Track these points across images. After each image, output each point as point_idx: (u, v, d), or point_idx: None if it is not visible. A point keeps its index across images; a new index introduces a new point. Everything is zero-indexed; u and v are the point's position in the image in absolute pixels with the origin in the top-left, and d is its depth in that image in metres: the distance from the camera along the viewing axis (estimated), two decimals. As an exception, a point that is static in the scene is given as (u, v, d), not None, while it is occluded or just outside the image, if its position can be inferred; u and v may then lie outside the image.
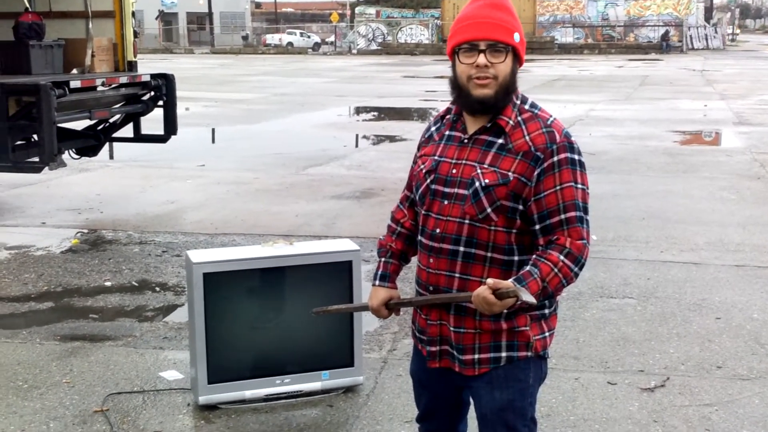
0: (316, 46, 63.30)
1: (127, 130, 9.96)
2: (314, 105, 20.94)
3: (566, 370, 4.78)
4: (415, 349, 2.91)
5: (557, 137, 2.56)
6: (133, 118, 9.83)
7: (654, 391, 4.55)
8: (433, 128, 2.80)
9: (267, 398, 4.35)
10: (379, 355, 5.04)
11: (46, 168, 8.24)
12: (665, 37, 52.79)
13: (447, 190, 2.64)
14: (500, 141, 2.59)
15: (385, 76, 32.47)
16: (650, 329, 5.48)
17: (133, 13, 10.02)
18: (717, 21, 62.59)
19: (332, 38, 64.08)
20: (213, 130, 16.25)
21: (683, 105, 20.41)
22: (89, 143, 9.68)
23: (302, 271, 4.47)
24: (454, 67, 2.64)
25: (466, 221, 2.59)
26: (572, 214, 2.53)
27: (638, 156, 12.76)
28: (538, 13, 57.67)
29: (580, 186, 2.57)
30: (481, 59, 2.55)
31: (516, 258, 2.61)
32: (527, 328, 2.63)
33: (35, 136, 8.44)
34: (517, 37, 2.59)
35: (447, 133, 2.72)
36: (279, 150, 13.59)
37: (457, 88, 2.63)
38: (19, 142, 8.55)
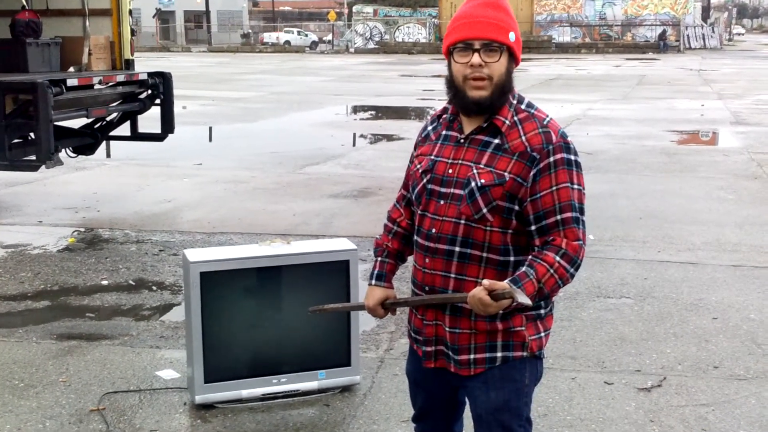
0: (313, 45, 63.28)
1: (124, 129, 9.95)
2: (311, 104, 20.93)
3: (563, 370, 4.78)
4: (411, 349, 2.91)
5: (553, 137, 2.55)
6: (130, 116, 9.82)
7: (651, 391, 4.55)
8: (429, 128, 2.80)
9: (263, 398, 4.34)
10: (376, 354, 5.04)
11: (43, 166, 8.23)
12: (662, 36, 52.83)
13: (443, 190, 2.64)
14: (496, 141, 2.58)
15: (383, 75, 32.47)
16: (647, 329, 5.48)
17: (131, 11, 10.01)
18: (714, 20, 62.68)
19: (329, 37, 64.08)
20: (210, 128, 16.24)
21: (680, 104, 20.43)
22: (86, 141, 9.67)
23: (299, 270, 4.47)
24: (449, 66, 2.63)
25: (462, 221, 2.59)
26: (568, 214, 2.53)
27: (635, 155, 12.76)
28: (535, 12, 57.67)
29: (576, 186, 2.56)
30: (476, 58, 2.54)
31: (512, 258, 2.61)
32: (523, 328, 2.63)
33: (32, 135, 8.42)
34: (512, 36, 2.58)
35: (444, 132, 2.71)
36: (276, 149, 13.58)
37: (453, 88, 2.62)
38: (15, 141, 8.53)
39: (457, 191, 2.60)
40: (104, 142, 10.35)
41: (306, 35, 66.98)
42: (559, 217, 2.52)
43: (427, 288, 2.70)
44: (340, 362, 4.47)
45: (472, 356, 2.65)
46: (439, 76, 27.17)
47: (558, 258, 2.50)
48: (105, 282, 6.48)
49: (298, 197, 9.77)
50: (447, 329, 2.68)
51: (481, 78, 2.55)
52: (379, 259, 2.90)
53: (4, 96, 7.93)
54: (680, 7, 56.08)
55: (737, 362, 4.94)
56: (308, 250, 4.63)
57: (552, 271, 2.49)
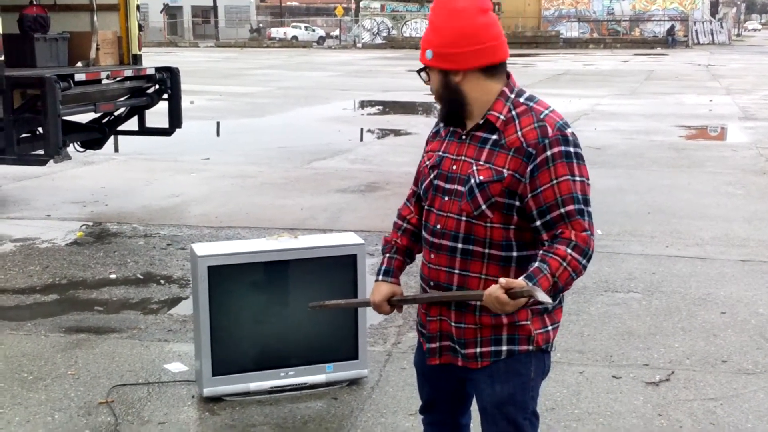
0: (320, 40, 63.26)
1: (132, 124, 9.97)
2: (319, 99, 20.93)
3: (571, 364, 4.77)
4: (419, 341, 2.91)
5: (549, 131, 2.52)
6: (138, 111, 9.83)
7: (659, 385, 4.55)
8: (441, 124, 2.80)
9: (271, 391, 4.35)
10: (384, 348, 5.04)
11: (51, 161, 8.25)
12: (671, 31, 52.70)
13: (447, 186, 2.64)
14: (494, 137, 2.58)
15: (390, 70, 32.44)
16: (655, 323, 5.47)
17: (138, 7, 10.02)
18: (723, 16, 62.43)
19: (337, 32, 64.07)
20: (218, 123, 16.26)
21: (689, 100, 20.38)
22: (94, 136, 9.69)
23: (307, 264, 4.48)
24: None
25: (463, 218, 2.59)
26: (571, 207, 2.50)
27: (643, 150, 12.74)
28: (543, 7, 57.58)
29: (578, 178, 2.52)
30: (423, 76, 2.71)
31: (515, 254, 2.59)
32: (528, 322, 2.61)
33: (40, 129, 8.44)
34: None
35: (451, 129, 2.72)
36: (284, 143, 13.59)
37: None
38: (24, 135, 8.56)
39: (459, 188, 2.60)
40: (112, 137, 10.38)
41: (313, 30, 66.95)
42: (562, 210, 2.49)
43: (432, 283, 2.71)
44: (348, 356, 4.47)
45: (478, 350, 2.65)
46: (446, 71, 27.09)
47: (569, 250, 2.47)
48: (113, 276, 6.50)
49: (306, 192, 9.77)
50: (453, 324, 2.67)
51: (433, 93, 2.71)
52: (387, 255, 2.89)
53: (12, 91, 7.95)
54: (689, 2, 55.94)
55: (746, 357, 4.93)
56: (316, 244, 4.63)
57: (565, 264, 2.46)
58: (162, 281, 6.38)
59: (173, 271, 6.64)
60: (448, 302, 2.67)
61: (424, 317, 2.78)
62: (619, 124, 15.87)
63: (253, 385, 4.31)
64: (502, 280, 2.42)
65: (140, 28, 10.14)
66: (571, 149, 2.53)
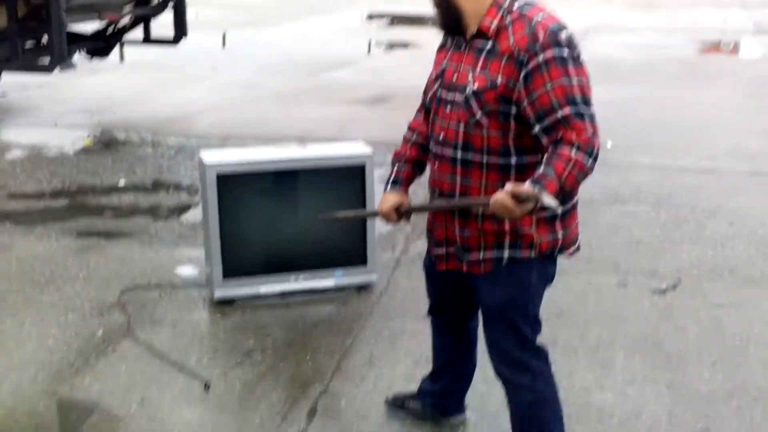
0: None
1: (137, 34, 9.84)
2: (326, 10, 20.59)
3: (578, 272, 4.78)
4: (428, 245, 2.93)
5: (540, 36, 2.45)
6: (143, 20, 9.69)
7: (665, 292, 4.58)
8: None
9: (282, 294, 4.39)
10: (392, 255, 5.07)
11: (57, 69, 8.17)
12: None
13: (449, 96, 2.64)
14: (489, 45, 2.55)
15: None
16: (663, 234, 5.49)
17: None
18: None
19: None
20: (223, 34, 16.04)
21: (702, 13, 20.01)
22: (99, 45, 9.58)
23: (315, 173, 4.47)
24: None
25: (461, 127, 2.58)
26: (568, 111, 2.43)
27: (655, 64, 12.57)
28: None
29: (575, 80, 2.45)
30: None
31: (513, 160, 2.56)
32: (531, 230, 2.60)
33: (45, 38, 8.35)
34: None
35: (455, 40, 2.70)
36: (291, 54, 13.44)
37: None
38: (29, 47, 8.47)
39: (458, 97, 2.59)
40: (117, 47, 10.25)
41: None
42: (559, 114, 2.44)
43: (437, 191, 2.73)
44: (357, 262, 4.50)
45: (481, 255, 2.67)
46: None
47: (573, 152, 2.42)
48: (122, 183, 6.51)
49: (313, 103, 9.70)
50: (456, 231, 2.69)
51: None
52: (396, 166, 2.89)
53: (16, 0, 7.83)
54: None
55: (752, 266, 4.96)
56: (324, 154, 4.62)
57: (570, 166, 2.42)
58: (171, 189, 6.39)
59: (182, 179, 6.64)
60: (453, 210, 2.67)
61: (431, 224, 2.81)
62: (631, 38, 15.62)
63: (264, 289, 4.36)
64: (508, 185, 2.40)
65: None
66: (565, 51, 2.46)
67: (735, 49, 15.29)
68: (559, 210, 2.58)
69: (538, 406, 2.81)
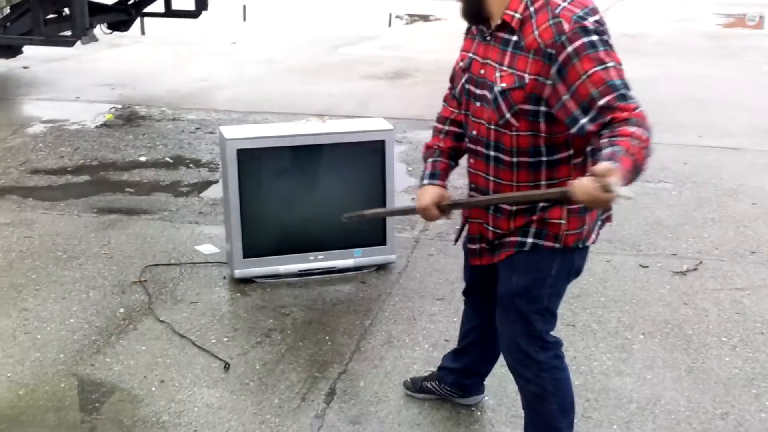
0: None
1: (158, 6, 9.83)
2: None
3: (598, 253, 4.77)
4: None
5: (565, 27, 2.33)
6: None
7: (686, 274, 4.55)
8: None
9: (301, 274, 4.41)
10: (411, 234, 5.06)
11: (79, 42, 8.19)
12: None
13: (477, 91, 2.56)
14: (514, 38, 2.43)
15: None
16: (685, 214, 5.45)
17: None
18: None
19: None
20: (244, 7, 15.99)
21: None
22: (120, 18, 9.58)
23: (335, 149, 4.46)
24: None
25: (492, 126, 2.51)
26: (611, 96, 2.30)
27: (679, 39, 12.44)
28: None
29: (610, 65, 2.33)
30: None
31: (544, 158, 2.49)
32: (561, 221, 2.52)
33: (66, 10, 8.36)
34: None
35: (479, 27, 2.59)
36: (311, 28, 13.39)
37: None
38: (50, 17, 8.48)
39: (487, 93, 2.51)
40: (138, 19, 10.26)
41: None
42: (602, 102, 2.30)
43: (473, 186, 2.68)
44: (376, 241, 4.50)
45: (507, 239, 2.62)
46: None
47: (632, 128, 2.23)
48: (143, 158, 6.53)
49: (334, 78, 9.67)
50: (490, 228, 2.64)
51: None
52: (431, 159, 2.78)
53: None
54: None
55: (775, 248, 4.92)
56: (344, 129, 4.61)
57: (635, 141, 2.20)
58: (191, 165, 6.41)
59: (202, 155, 6.66)
60: (487, 206, 2.62)
61: (469, 214, 2.76)
62: (654, 11, 15.45)
63: (283, 268, 4.37)
64: (597, 168, 2.10)
65: None
66: (595, 38, 2.32)
67: (760, 23, 15.09)
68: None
69: (543, 399, 2.76)
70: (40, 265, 4.55)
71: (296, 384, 3.46)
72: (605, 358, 3.69)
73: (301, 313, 4.08)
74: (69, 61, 10.28)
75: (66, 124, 7.49)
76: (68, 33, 8.27)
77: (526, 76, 2.39)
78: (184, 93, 8.81)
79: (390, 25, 14.35)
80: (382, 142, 4.44)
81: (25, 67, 9.97)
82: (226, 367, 3.57)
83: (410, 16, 15.43)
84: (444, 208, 2.66)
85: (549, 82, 2.36)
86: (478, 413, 3.29)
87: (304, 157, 4.42)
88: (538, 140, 2.46)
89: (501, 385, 3.43)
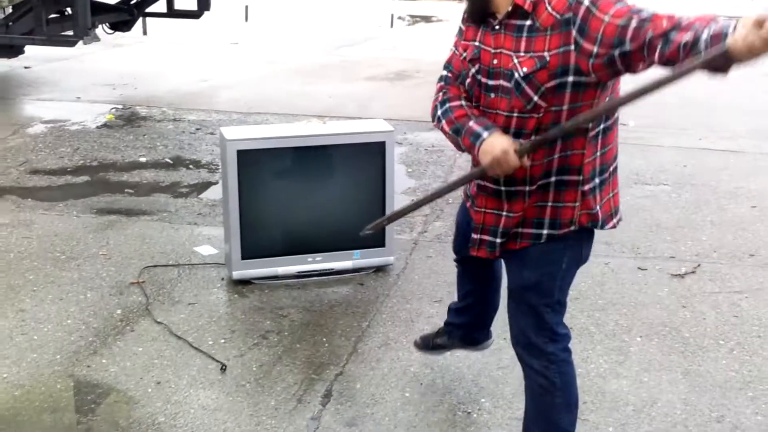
0: None
1: (161, 6, 9.85)
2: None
3: (596, 255, 4.70)
4: (463, 203, 2.92)
5: None
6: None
7: (684, 277, 4.55)
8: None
9: (299, 275, 4.41)
10: (410, 236, 5.07)
11: (80, 42, 8.21)
12: None
13: (491, 82, 2.52)
14: (528, 23, 2.43)
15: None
16: (684, 216, 5.45)
17: None
18: None
19: None
20: (246, 7, 16.02)
21: (730, -12, 19.73)
22: (123, 18, 9.60)
23: (336, 150, 4.47)
24: None
25: (515, 114, 2.48)
26: (640, 16, 2.26)
27: (680, 41, 12.42)
28: None
29: (628, 1, 2.33)
30: None
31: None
32: (575, 204, 2.53)
33: (69, 10, 8.37)
34: None
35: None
36: (312, 29, 13.40)
37: None
38: (53, 16, 8.49)
39: (505, 83, 2.48)
40: (140, 19, 10.27)
41: None
42: (634, 24, 2.25)
43: (482, 183, 2.65)
44: (375, 243, 4.50)
45: (519, 230, 2.60)
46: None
47: (678, 16, 2.20)
48: (143, 159, 6.53)
49: (334, 79, 9.68)
50: (504, 215, 2.61)
51: None
52: (473, 120, 2.55)
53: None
54: None
55: (774, 251, 4.91)
56: (345, 130, 4.61)
57: (696, 22, 2.15)
58: (191, 165, 6.41)
59: (202, 155, 6.66)
60: (499, 193, 2.59)
61: (470, 203, 2.74)
62: (653, 9, 15.42)
63: (281, 270, 4.38)
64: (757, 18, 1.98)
65: None
66: None
67: (763, 24, 15.06)
68: (597, 179, 2.48)
69: (548, 392, 2.75)
70: (38, 265, 4.55)
71: (293, 386, 3.46)
72: (602, 361, 3.69)
73: (298, 315, 4.08)
74: (71, 61, 10.29)
75: (66, 124, 7.50)
76: (70, 33, 8.29)
77: (546, 54, 2.38)
78: (185, 93, 8.82)
79: (392, 26, 14.36)
80: (383, 144, 4.44)
81: (26, 67, 9.98)
82: (223, 368, 3.57)
83: (412, 17, 15.44)
84: (522, 154, 2.44)
85: (572, 47, 2.35)
86: (475, 415, 3.29)
87: (305, 158, 4.42)
88: (560, 114, 2.44)
89: (498, 387, 3.44)
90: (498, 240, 2.65)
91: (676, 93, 9.27)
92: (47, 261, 4.61)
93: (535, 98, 2.42)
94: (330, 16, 15.07)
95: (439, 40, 11.97)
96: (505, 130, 2.49)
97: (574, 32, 2.35)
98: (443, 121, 2.64)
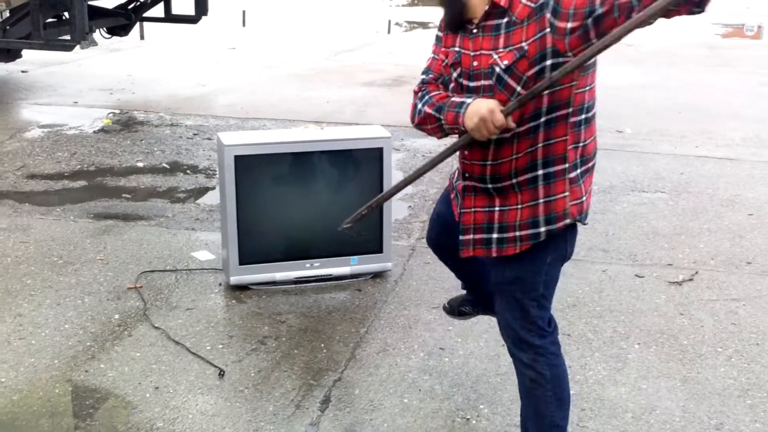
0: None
1: (158, 10, 9.85)
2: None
3: (594, 262, 4.79)
4: (445, 192, 2.95)
5: None
6: (164, -3, 9.71)
7: (681, 284, 4.56)
8: None
9: (297, 281, 4.41)
10: (408, 242, 5.07)
11: (78, 47, 8.20)
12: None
13: (473, 84, 2.56)
14: (505, 20, 2.47)
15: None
16: (681, 224, 5.46)
17: None
18: None
19: None
20: (243, 12, 16.03)
21: (726, -3, 19.80)
22: (120, 22, 9.60)
23: (333, 156, 4.47)
24: None
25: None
26: None
27: (676, 48, 12.46)
28: None
29: None
30: None
31: (543, 119, 2.49)
32: (565, 194, 2.56)
33: (66, 14, 8.37)
34: None
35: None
36: (310, 34, 13.41)
37: None
38: (50, 20, 8.49)
39: (486, 82, 2.52)
40: (138, 24, 10.28)
41: None
42: None
43: (467, 176, 2.68)
44: (373, 249, 4.50)
45: (517, 233, 2.61)
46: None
47: None
48: (140, 164, 6.53)
49: (332, 84, 9.69)
50: (497, 209, 2.63)
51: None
52: (454, 97, 2.58)
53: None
54: None
55: (771, 259, 4.92)
56: (342, 136, 4.62)
57: None
58: (188, 171, 6.41)
59: (200, 160, 6.66)
60: (487, 191, 2.62)
61: (463, 169, 2.71)
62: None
63: (279, 275, 4.37)
64: None
65: None
66: None
67: (758, 33, 15.13)
68: (578, 170, 2.50)
69: (539, 385, 2.76)
70: (35, 270, 4.54)
71: (291, 391, 3.46)
72: (600, 368, 3.69)
73: (296, 321, 4.08)
74: (68, 66, 10.29)
75: (64, 128, 7.50)
76: (68, 37, 8.28)
77: (525, 44, 2.42)
78: (183, 98, 8.82)
79: (389, 32, 14.38)
80: (380, 150, 4.44)
81: (24, 71, 9.98)
82: (221, 374, 3.56)
83: (409, 23, 15.47)
84: (507, 114, 2.43)
85: (548, 30, 2.38)
86: (473, 422, 3.29)
87: (302, 163, 4.43)
88: (540, 101, 2.46)
89: (496, 394, 3.44)
90: (494, 236, 2.65)
91: (673, 99, 9.33)
92: (44, 266, 4.60)
93: (518, 89, 2.46)
94: (327, 22, 15.08)
95: (436, 47, 11.98)
96: None
97: (548, 15, 2.38)
98: (425, 107, 2.64)
